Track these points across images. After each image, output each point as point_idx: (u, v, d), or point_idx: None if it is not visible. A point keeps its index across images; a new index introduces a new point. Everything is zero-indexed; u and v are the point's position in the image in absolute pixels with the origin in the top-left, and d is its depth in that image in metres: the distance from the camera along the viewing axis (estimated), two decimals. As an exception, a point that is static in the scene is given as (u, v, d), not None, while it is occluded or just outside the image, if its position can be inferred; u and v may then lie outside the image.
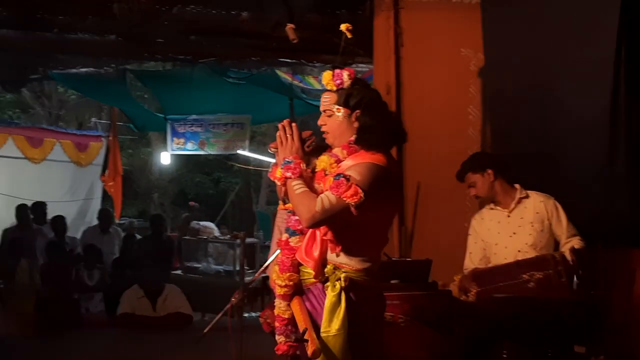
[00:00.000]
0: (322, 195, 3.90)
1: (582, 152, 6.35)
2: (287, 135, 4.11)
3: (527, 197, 6.02)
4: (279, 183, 4.15)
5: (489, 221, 6.12)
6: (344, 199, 3.82)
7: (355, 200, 3.82)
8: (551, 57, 6.56)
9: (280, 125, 4.15)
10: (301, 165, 4.04)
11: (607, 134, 6.16)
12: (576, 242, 5.85)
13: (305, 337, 3.95)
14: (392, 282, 5.41)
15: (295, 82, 13.12)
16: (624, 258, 5.66)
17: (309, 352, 3.92)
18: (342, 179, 3.84)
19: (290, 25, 7.42)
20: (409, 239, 6.80)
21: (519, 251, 5.89)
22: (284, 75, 12.98)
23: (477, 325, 5.57)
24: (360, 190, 3.82)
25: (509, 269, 5.77)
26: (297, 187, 3.98)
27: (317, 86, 13.72)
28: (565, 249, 5.81)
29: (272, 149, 4.20)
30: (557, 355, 5.25)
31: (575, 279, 5.54)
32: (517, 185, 6.06)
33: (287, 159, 4.05)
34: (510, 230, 5.99)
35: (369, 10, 7.88)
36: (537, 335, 5.23)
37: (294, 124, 4.14)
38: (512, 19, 6.83)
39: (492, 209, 6.13)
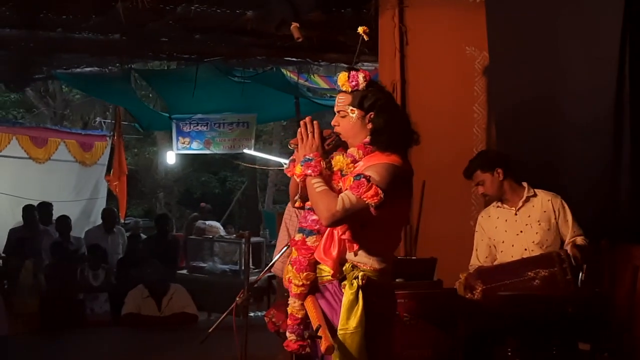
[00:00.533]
0: (342, 194, 3.90)
1: (587, 150, 6.36)
2: (308, 132, 4.10)
3: (534, 195, 6.01)
4: (297, 180, 4.12)
5: (495, 219, 6.12)
6: (364, 199, 3.83)
7: (376, 200, 3.83)
8: (556, 56, 6.57)
9: (301, 122, 4.14)
10: (321, 163, 4.03)
11: (612, 132, 6.18)
12: (580, 240, 5.84)
13: (319, 333, 3.95)
14: (397, 280, 5.40)
15: (301, 81, 13.13)
16: (628, 255, 5.67)
17: (323, 348, 3.92)
18: (363, 179, 3.84)
19: (295, 24, 7.41)
20: (414, 237, 6.79)
21: (526, 249, 5.90)
22: (290, 74, 12.98)
23: (482, 323, 5.57)
24: (380, 191, 3.83)
25: (514, 266, 5.77)
26: (317, 185, 3.97)
27: (323, 85, 13.75)
28: (569, 247, 5.81)
29: (293, 145, 4.18)
30: (562, 352, 5.25)
31: (580, 276, 5.53)
32: (524, 184, 6.05)
33: (307, 157, 4.04)
34: (518, 229, 5.98)
35: (374, 9, 7.88)
36: (542, 332, 5.23)
37: (315, 122, 4.13)
38: (516, 18, 6.82)
39: (498, 207, 6.12)
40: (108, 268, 11.55)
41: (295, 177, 4.14)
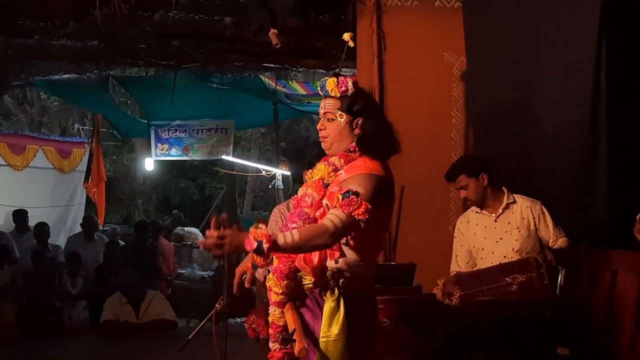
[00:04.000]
0: (330, 215, 3.85)
1: (564, 153, 6.39)
2: (223, 240, 3.73)
3: (514, 202, 6.01)
4: (268, 260, 3.85)
5: (474, 225, 6.11)
6: (355, 216, 3.83)
7: (367, 216, 3.84)
8: (533, 61, 6.60)
9: (211, 239, 3.74)
10: (265, 234, 3.70)
11: (589, 135, 6.21)
12: (562, 242, 5.85)
13: (294, 337, 3.95)
14: (377, 286, 5.40)
15: (279, 87, 13.14)
16: (606, 259, 5.68)
17: (295, 350, 3.93)
18: (352, 196, 3.83)
19: (273, 30, 7.38)
20: (393, 243, 6.79)
21: (505, 256, 5.89)
22: (268, 80, 12.99)
23: (461, 328, 5.58)
24: (369, 206, 3.84)
25: (491, 272, 5.78)
26: (288, 237, 3.77)
27: (301, 91, 13.77)
28: (549, 252, 5.83)
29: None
30: (541, 357, 5.26)
31: (559, 280, 5.56)
32: (504, 189, 6.06)
33: (253, 247, 3.70)
34: (497, 236, 5.98)
35: (352, 15, 7.88)
36: (521, 337, 5.24)
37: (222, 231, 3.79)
38: (493, 23, 6.85)
39: (478, 212, 6.11)
40: (86, 275, 11.51)
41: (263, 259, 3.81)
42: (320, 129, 4.23)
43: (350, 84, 4.13)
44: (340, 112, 4.14)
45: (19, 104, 22.83)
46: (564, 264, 5.69)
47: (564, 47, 6.37)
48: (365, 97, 4.21)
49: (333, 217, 3.84)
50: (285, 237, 3.76)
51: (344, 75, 4.18)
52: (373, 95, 7.29)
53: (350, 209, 3.81)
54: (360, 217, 3.83)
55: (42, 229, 12.39)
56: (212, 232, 3.73)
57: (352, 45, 4.32)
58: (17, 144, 15.87)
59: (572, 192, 6.39)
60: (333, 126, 4.18)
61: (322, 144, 4.26)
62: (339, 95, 4.16)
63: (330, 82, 4.18)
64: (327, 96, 4.23)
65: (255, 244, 3.66)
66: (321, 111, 4.24)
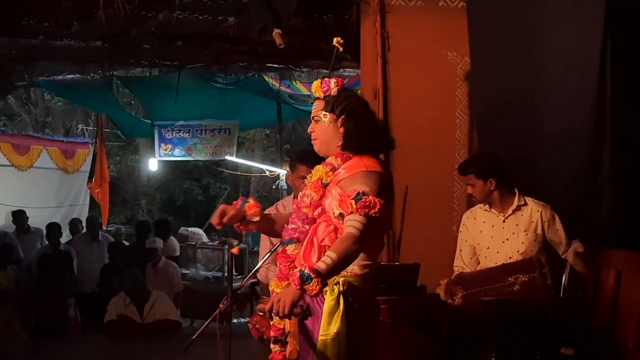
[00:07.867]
0: (350, 222, 3.89)
1: (568, 154, 6.39)
2: (278, 305, 3.80)
3: (525, 204, 6.01)
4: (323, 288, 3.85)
5: (481, 223, 6.11)
6: (372, 214, 3.88)
7: (381, 213, 3.91)
8: (537, 61, 6.60)
9: (265, 312, 3.97)
10: (307, 266, 3.79)
11: (592, 136, 6.21)
12: (578, 245, 5.84)
13: (288, 339, 3.98)
14: (381, 286, 5.40)
15: (283, 88, 13.12)
16: (610, 260, 5.68)
17: (287, 352, 4.00)
18: (365, 197, 3.87)
19: (277, 31, 7.38)
20: (397, 243, 6.79)
21: (510, 258, 5.90)
22: (272, 80, 12.98)
23: (465, 328, 5.58)
24: (382, 202, 3.91)
25: (494, 272, 5.79)
26: (327, 260, 3.81)
27: (305, 91, 13.73)
28: (571, 255, 5.83)
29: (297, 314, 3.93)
30: (545, 357, 5.26)
31: (563, 281, 5.57)
32: (516, 190, 6.05)
33: (300, 281, 3.74)
34: (504, 236, 5.98)
35: (356, 15, 7.87)
36: (525, 337, 5.24)
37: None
38: (497, 23, 6.85)
39: (486, 210, 6.09)
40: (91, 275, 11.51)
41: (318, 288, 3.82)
42: (310, 132, 4.32)
43: (332, 84, 4.22)
44: (324, 112, 4.23)
45: (22, 105, 22.84)
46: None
47: (568, 47, 6.37)
48: (348, 97, 4.26)
49: (353, 222, 3.89)
50: (326, 262, 3.81)
51: (333, 77, 4.26)
52: (376, 94, 7.31)
53: (366, 210, 3.87)
54: (377, 215, 3.88)
55: (54, 230, 12.35)
56: (265, 312, 3.94)
57: (341, 49, 4.37)
58: (21, 144, 15.89)
59: (575, 193, 6.39)
60: (319, 127, 4.26)
61: (314, 146, 4.32)
62: (322, 96, 4.25)
63: (315, 84, 4.30)
64: (314, 98, 4.30)
65: (298, 275, 3.72)
66: (311, 114, 4.32)
